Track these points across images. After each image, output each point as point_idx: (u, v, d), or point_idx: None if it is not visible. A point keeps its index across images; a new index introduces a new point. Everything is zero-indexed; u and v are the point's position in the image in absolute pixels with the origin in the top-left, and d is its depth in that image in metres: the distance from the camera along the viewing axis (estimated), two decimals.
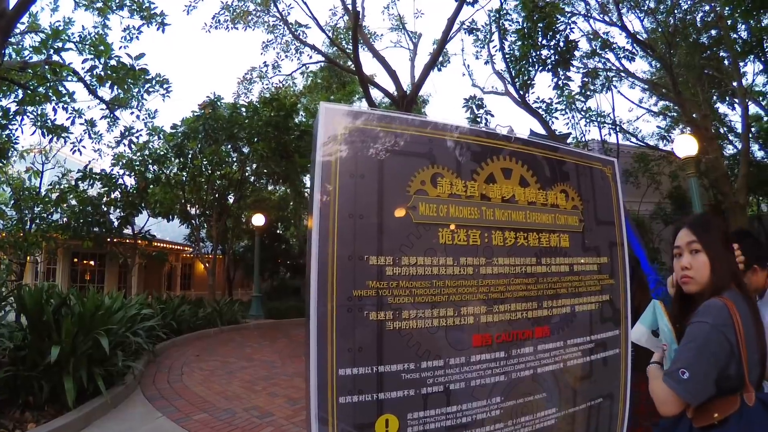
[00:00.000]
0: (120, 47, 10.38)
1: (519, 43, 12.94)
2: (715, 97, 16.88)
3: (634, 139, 17.32)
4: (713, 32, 14.82)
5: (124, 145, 13.52)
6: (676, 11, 14.59)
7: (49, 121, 10.77)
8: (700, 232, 1.72)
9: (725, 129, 17.85)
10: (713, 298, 1.62)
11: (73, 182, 13.90)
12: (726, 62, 15.37)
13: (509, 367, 1.17)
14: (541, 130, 15.78)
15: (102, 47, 8.71)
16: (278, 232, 22.48)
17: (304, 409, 4.51)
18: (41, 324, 5.52)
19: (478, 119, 13.06)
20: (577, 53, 13.49)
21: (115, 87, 9.46)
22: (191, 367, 8.29)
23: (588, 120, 15.80)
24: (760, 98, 17.55)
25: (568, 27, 12.51)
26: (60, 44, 8.94)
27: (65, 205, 13.63)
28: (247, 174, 16.90)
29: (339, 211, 0.99)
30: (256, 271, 16.30)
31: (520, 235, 1.24)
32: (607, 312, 1.42)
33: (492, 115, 13.17)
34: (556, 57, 12.71)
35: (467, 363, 1.11)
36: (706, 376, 1.48)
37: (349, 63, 16.37)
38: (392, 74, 12.94)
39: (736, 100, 16.57)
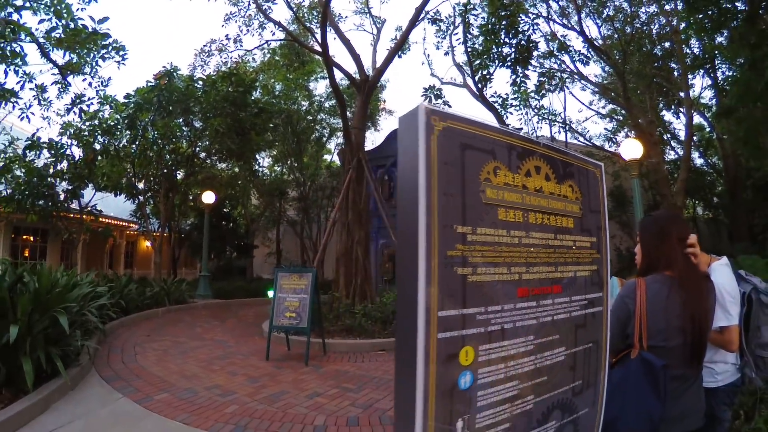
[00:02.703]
0: (78, 9, 9.87)
1: (482, 38, 13.22)
2: (661, 105, 17.81)
3: (582, 139, 18.08)
4: (666, 44, 15.60)
5: (75, 113, 12.94)
6: (634, 21, 15.26)
7: None
8: (641, 229, 2.35)
9: (668, 135, 18.90)
10: (635, 277, 2.21)
11: (19, 151, 13.15)
12: (675, 73, 16.28)
13: (538, 313, 1.54)
14: (495, 124, 16.21)
15: (64, 10, 8.24)
16: (224, 211, 22.02)
17: (265, 387, 5.29)
18: None
19: None
20: (535, 53, 13.92)
21: (68, 52, 9.03)
22: (144, 347, 8.13)
23: (540, 117, 16.41)
24: (705, 110, 18.73)
25: (531, 28, 12.86)
26: (20, 2, 8.37)
27: (9, 175, 12.89)
28: (197, 150, 16.40)
29: (438, 189, 1.23)
30: (205, 250, 15.97)
31: (544, 217, 1.60)
32: (595, 278, 1.82)
33: (449, 106, 13.38)
34: (516, 55, 13.07)
35: (514, 309, 1.45)
36: (612, 331, 1.94)
37: (311, 42, 16.21)
38: (356, 58, 12.87)
39: (682, 110, 17.63)
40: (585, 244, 1.78)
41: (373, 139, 26.40)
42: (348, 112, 12.84)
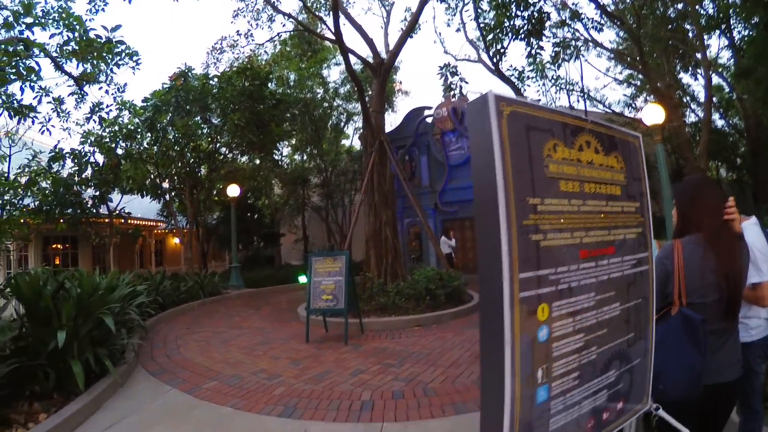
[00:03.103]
0: (87, 20, 10.00)
1: (493, 12, 13.12)
2: (678, 68, 17.47)
3: (601, 107, 17.87)
4: (679, 6, 15.26)
5: (94, 122, 13.19)
6: None
7: (15, 101, 10.34)
8: (674, 194, 2.52)
9: (688, 98, 18.56)
10: (673, 239, 2.37)
11: (43, 164, 13.45)
12: (690, 35, 15.94)
13: (597, 272, 1.71)
14: (551, 106, 16.10)
15: (76, 22, 8.35)
16: (249, 202, 22.33)
17: (309, 368, 5.75)
18: (39, 311, 5.27)
19: (453, 86, 13.23)
20: (547, 23, 13.75)
21: (81, 63, 9.12)
22: (185, 340, 8.34)
23: (558, 88, 16.27)
24: (723, 71, 18.34)
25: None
26: (30, 20, 8.48)
27: (35, 188, 13.21)
28: (218, 145, 16.62)
29: (513, 167, 1.39)
30: (234, 241, 16.26)
31: (596, 186, 1.77)
32: (641, 240, 2.00)
33: (466, 82, 13.31)
34: (529, 27, 12.96)
35: (578, 269, 1.62)
36: (655, 290, 2.11)
37: (321, 30, 16.22)
38: (369, 42, 12.87)
39: (699, 71, 17.31)
40: (631, 209, 1.95)
41: (390, 121, 26.40)
42: (365, 96, 12.85)
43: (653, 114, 9.92)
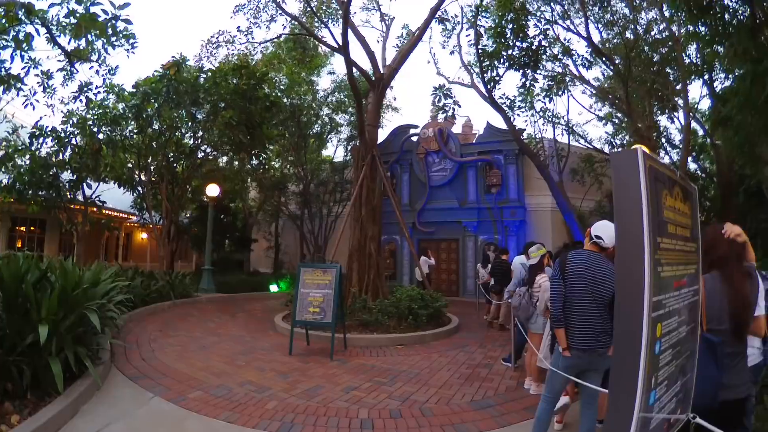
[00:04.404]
0: None
1: (491, 40, 13.35)
2: (656, 110, 18.06)
3: (583, 141, 18.30)
4: (664, 50, 15.81)
5: (81, 102, 12.77)
6: (635, 26, 15.47)
7: (3, 69, 9.93)
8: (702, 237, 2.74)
9: (664, 140, 19.22)
10: None
11: (24, 139, 12.91)
12: (671, 78, 16.56)
13: (679, 299, 2.00)
14: (501, 125, 16.45)
15: None
16: (224, 204, 21.89)
17: (298, 382, 5.75)
18: (18, 301, 4.87)
19: (446, 107, 13.36)
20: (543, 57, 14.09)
21: (75, 39, 8.82)
22: (159, 343, 8.03)
23: (546, 120, 16.63)
24: (701, 117, 19.15)
25: (542, 33, 13.04)
26: None
27: (11, 164, 12.66)
28: (199, 142, 16.24)
29: (650, 211, 1.64)
30: (209, 243, 15.91)
31: (680, 229, 2.05)
32: (697, 274, 2.34)
33: (459, 106, 13.49)
34: (525, 59, 13.24)
35: (674, 296, 1.92)
36: None
37: (322, 36, 16.16)
38: (371, 55, 12.92)
39: (676, 115, 17.99)
40: (692, 248, 2.26)
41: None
42: (363, 109, 12.81)
43: None
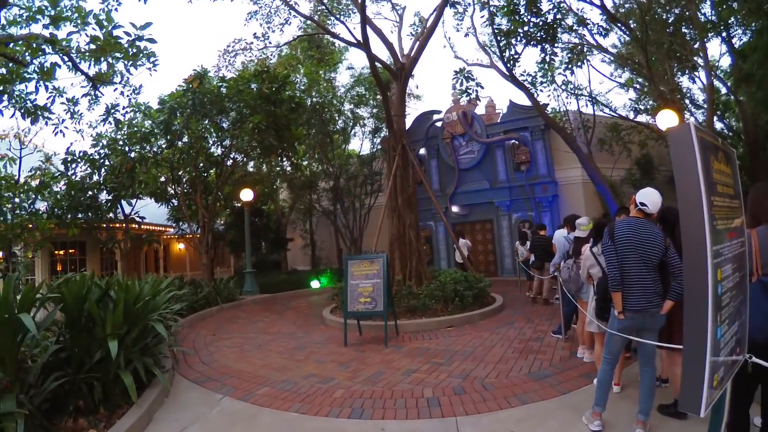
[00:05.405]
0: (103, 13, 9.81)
1: (505, 19, 13.26)
2: (677, 71, 17.67)
3: (607, 110, 18.03)
4: (676, 11, 15.46)
5: (110, 123, 13.14)
6: None
7: (29, 101, 10.21)
8: (750, 194, 3.50)
9: (688, 101, 18.81)
10: (748, 229, 3.09)
11: (56, 167, 13.37)
12: (688, 37, 16.17)
13: (732, 248, 2.33)
14: (524, 102, 16.35)
15: (105, 19, 8.24)
16: (257, 207, 22.26)
17: (359, 370, 6.07)
18: (82, 320, 5.01)
19: (469, 90, 13.34)
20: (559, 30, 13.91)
21: (96, 63, 9.02)
22: (216, 346, 8.30)
23: (568, 92, 16.45)
24: (723, 75, 18.67)
25: (555, 6, 12.91)
26: (54, 13, 8.35)
27: (47, 191, 13.11)
28: (227, 149, 16.55)
29: (704, 175, 1.98)
30: (248, 246, 16.26)
31: (726, 188, 2.34)
32: (743, 227, 2.69)
33: (482, 87, 13.45)
34: (542, 34, 13.13)
35: (727, 246, 2.25)
36: None
37: (337, 32, 16.24)
38: (389, 47, 13.05)
39: (697, 74, 17.60)
40: (737, 204, 2.55)
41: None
42: (389, 101, 12.89)
43: (668, 119, 10.30)
